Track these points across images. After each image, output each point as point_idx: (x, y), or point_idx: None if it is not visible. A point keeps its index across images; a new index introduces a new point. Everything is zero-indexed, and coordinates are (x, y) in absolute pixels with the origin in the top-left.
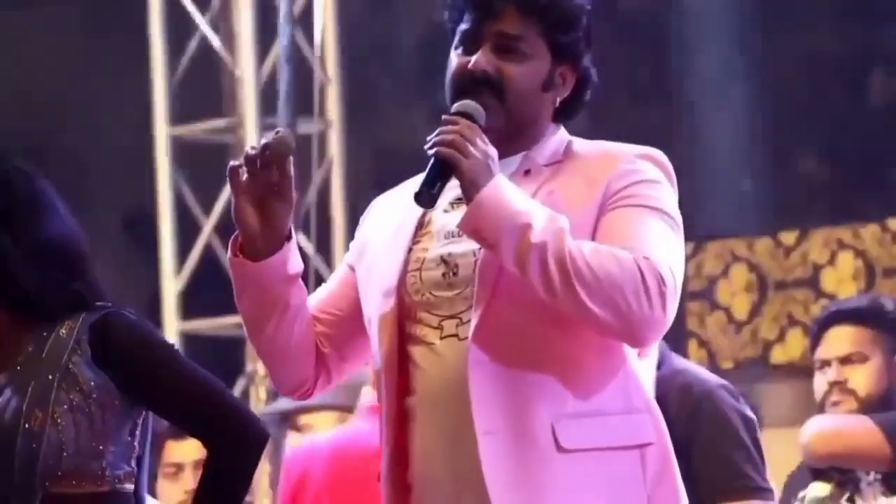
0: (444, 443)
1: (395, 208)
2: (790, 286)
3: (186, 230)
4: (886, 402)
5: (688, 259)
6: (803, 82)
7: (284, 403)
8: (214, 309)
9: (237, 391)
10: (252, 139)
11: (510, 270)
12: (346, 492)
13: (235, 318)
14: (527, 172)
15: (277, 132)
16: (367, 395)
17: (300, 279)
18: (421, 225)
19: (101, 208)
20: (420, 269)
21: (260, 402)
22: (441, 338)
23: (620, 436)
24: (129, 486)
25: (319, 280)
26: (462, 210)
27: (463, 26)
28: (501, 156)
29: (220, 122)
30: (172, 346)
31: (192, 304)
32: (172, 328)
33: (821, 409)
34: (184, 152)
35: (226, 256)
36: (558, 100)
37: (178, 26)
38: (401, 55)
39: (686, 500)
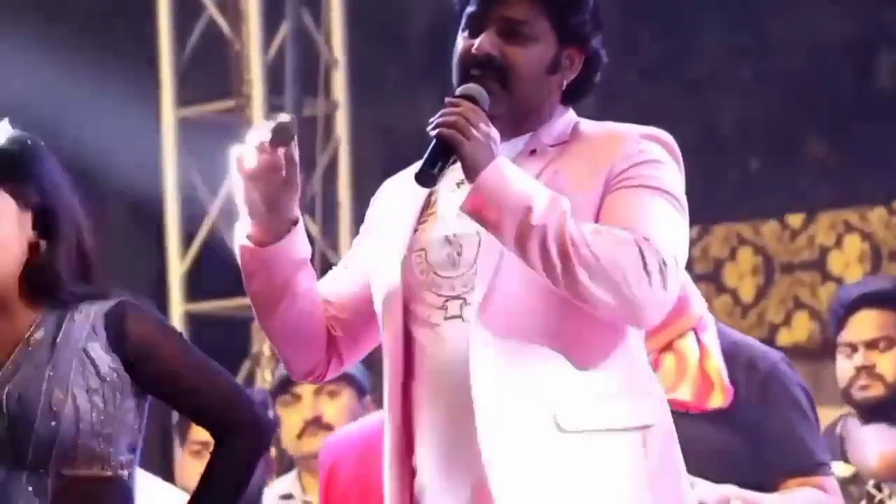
0: (446, 425)
1: (403, 191)
2: (797, 269)
3: (192, 212)
4: None
5: (694, 242)
6: (811, 64)
7: None
8: (220, 291)
9: (242, 373)
10: (259, 120)
11: (511, 252)
12: (375, 484)
13: (240, 300)
14: (532, 152)
15: (279, 117)
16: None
17: (309, 263)
18: (427, 206)
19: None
20: (425, 249)
21: (265, 384)
22: (445, 318)
23: (621, 417)
24: (126, 474)
25: (325, 263)
26: (466, 191)
27: (469, 9)
28: (508, 137)
29: (227, 103)
30: (182, 335)
31: (197, 285)
32: (178, 310)
33: (846, 393)
34: (190, 134)
35: (231, 238)
36: (565, 82)
37: (185, 7)
38: (409, 37)
39: (687, 481)
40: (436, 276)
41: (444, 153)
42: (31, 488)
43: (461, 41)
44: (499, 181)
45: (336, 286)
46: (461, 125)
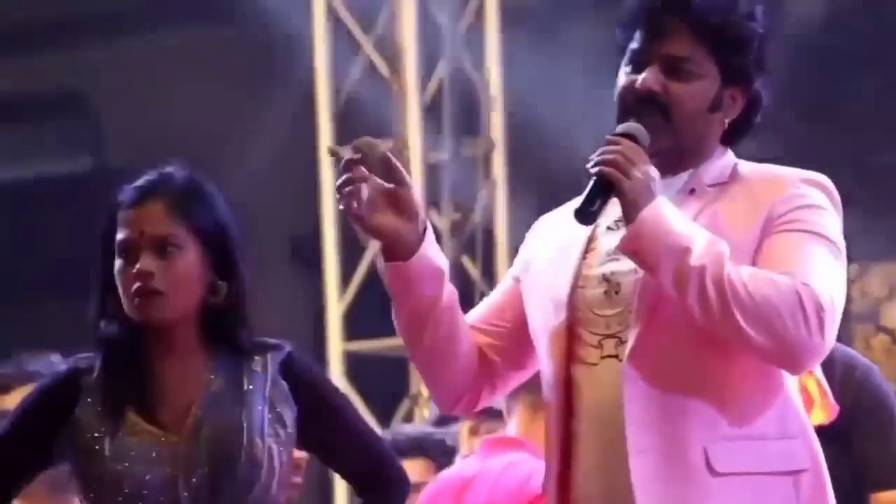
0: (601, 464)
1: (560, 227)
2: None
3: (350, 251)
4: None
5: (853, 281)
6: None
7: None
8: (378, 330)
9: (401, 413)
10: (416, 160)
11: (668, 292)
12: None
13: (399, 339)
14: (691, 192)
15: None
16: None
17: (447, 276)
18: (587, 243)
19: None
20: (584, 286)
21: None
22: (601, 357)
23: (774, 461)
24: None
25: None
26: (624, 230)
27: (633, 45)
28: (667, 174)
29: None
30: (337, 388)
31: (355, 324)
32: (336, 349)
33: None
34: None
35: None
36: (727, 121)
37: (343, 48)
38: (565, 77)
39: None
40: (592, 314)
41: (603, 191)
42: None
43: (623, 76)
44: (658, 221)
45: (492, 314)
46: (621, 164)
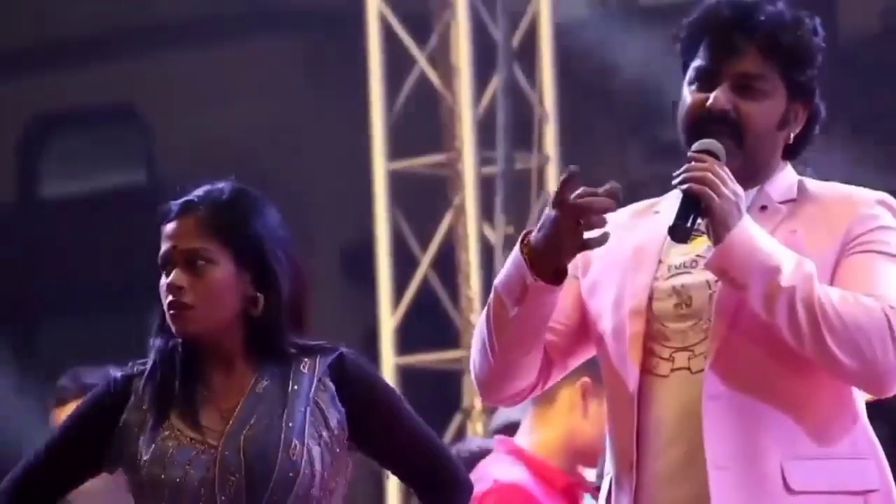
0: (672, 477)
1: (628, 230)
2: None
3: (404, 265)
4: None
5: None
6: None
7: None
8: (431, 343)
9: (453, 427)
10: (470, 173)
11: (757, 312)
12: None
13: (451, 353)
14: (763, 208)
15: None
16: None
17: None
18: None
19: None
20: (652, 298)
21: (477, 438)
22: (671, 370)
23: (846, 480)
24: None
25: None
26: (694, 243)
27: (699, 63)
28: None
29: (437, 157)
30: (394, 389)
31: (408, 338)
32: (389, 363)
33: None
34: (401, 187)
35: (442, 290)
36: (792, 136)
37: (397, 61)
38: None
39: None
40: (662, 326)
41: (695, 208)
42: None
43: (689, 95)
44: (747, 241)
45: (557, 313)
46: (710, 181)
